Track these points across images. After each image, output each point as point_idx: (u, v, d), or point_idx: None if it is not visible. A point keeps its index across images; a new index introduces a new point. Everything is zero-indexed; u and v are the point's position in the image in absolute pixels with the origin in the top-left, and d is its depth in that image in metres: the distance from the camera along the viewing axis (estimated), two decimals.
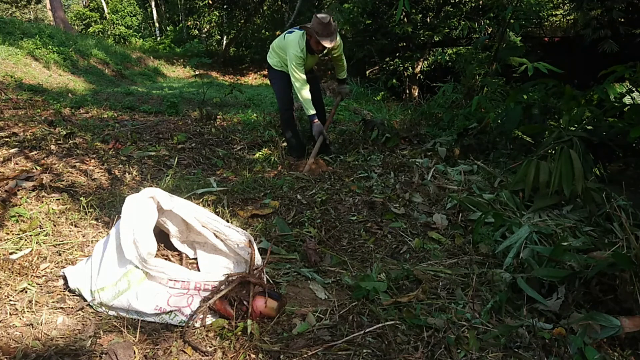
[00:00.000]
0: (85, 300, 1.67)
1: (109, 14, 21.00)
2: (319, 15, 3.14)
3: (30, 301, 1.63)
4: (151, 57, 15.84)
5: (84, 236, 2.13)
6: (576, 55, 8.50)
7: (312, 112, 3.40)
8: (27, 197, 2.37)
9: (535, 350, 1.46)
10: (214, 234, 1.79)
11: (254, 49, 19.97)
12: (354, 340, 1.50)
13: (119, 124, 4.32)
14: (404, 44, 11.40)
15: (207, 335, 1.54)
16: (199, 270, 1.91)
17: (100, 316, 1.61)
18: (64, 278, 1.77)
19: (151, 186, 2.47)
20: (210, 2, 19.22)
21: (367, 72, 12.54)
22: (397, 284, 1.88)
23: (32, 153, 3.07)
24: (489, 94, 4.21)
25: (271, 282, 1.85)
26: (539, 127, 3.17)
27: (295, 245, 2.20)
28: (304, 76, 3.35)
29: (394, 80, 7.19)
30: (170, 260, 2.00)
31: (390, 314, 1.65)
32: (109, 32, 20.12)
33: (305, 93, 3.37)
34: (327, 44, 3.16)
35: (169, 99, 5.97)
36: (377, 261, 2.09)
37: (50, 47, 9.68)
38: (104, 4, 21.28)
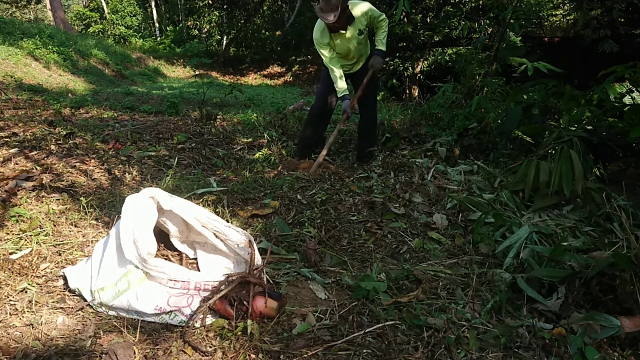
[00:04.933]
0: (85, 300, 1.67)
1: (109, 14, 21.01)
2: None
3: (30, 301, 1.63)
4: (151, 57, 15.85)
5: (84, 236, 2.13)
6: (576, 55, 8.52)
7: (341, 93, 3.33)
8: (27, 197, 2.37)
9: (535, 350, 1.46)
10: (214, 234, 1.79)
11: (254, 49, 19.98)
12: (354, 340, 1.50)
13: (119, 124, 4.32)
14: (404, 44, 11.41)
15: (207, 335, 1.54)
16: (199, 270, 1.91)
17: (100, 316, 1.61)
18: (64, 278, 1.77)
19: (151, 186, 2.47)
20: (210, 2, 19.23)
21: None
22: (397, 284, 1.88)
23: (32, 153, 3.07)
24: (489, 94, 4.20)
25: (271, 282, 1.85)
26: (539, 127, 3.17)
27: (295, 245, 2.20)
28: (331, 60, 3.28)
29: (394, 80, 7.19)
30: (170, 260, 2.00)
31: (390, 314, 1.65)
32: (109, 32, 20.13)
33: (335, 81, 3.31)
34: (326, 19, 3.05)
35: (169, 99, 5.98)
36: (377, 261, 2.09)
37: (50, 47, 9.69)
38: (104, 4, 21.29)
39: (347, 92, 3.34)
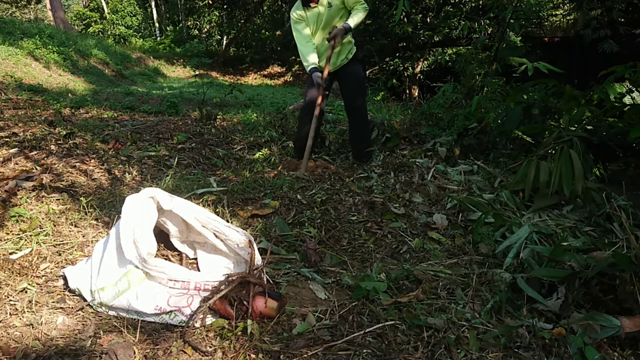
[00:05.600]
0: (85, 300, 1.67)
1: (109, 14, 21.02)
2: None
3: (30, 301, 1.63)
4: (151, 57, 15.86)
5: (84, 236, 2.13)
6: (576, 55, 8.53)
7: (310, 67, 3.27)
8: (27, 197, 2.37)
9: (535, 350, 1.46)
10: (214, 234, 1.79)
11: (254, 49, 19.99)
12: (354, 340, 1.50)
13: (119, 124, 4.32)
14: (404, 44, 11.42)
15: (207, 335, 1.54)
16: (199, 270, 1.91)
17: (100, 316, 1.61)
18: (64, 278, 1.77)
19: (151, 186, 2.47)
20: (210, 2, 19.24)
21: (367, 72, 12.56)
22: (397, 284, 1.88)
23: (32, 153, 3.07)
24: (489, 94, 4.20)
25: (271, 282, 1.85)
26: (539, 127, 3.17)
27: (295, 245, 2.20)
28: (302, 37, 3.25)
29: (394, 80, 7.18)
30: (170, 260, 2.00)
31: (390, 314, 1.65)
32: (109, 32, 20.15)
33: (305, 53, 3.25)
34: None
35: (169, 99, 5.98)
36: (377, 261, 2.09)
37: (50, 47, 9.70)
38: (104, 4, 21.30)
39: (317, 65, 3.29)
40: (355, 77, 3.48)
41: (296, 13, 3.28)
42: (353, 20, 3.23)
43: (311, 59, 3.27)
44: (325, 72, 3.29)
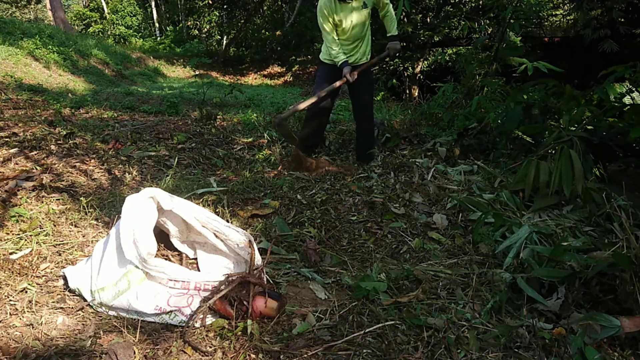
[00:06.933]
0: (85, 300, 1.67)
1: (109, 14, 21.02)
2: None
3: (30, 301, 1.63)
4: (151, 57, 15.85)
5: (84, 236, 2.13)
6: (576, 55, 8.52)
7: (341, 61, 3.28)
8: (27, 197, 2.37)
9: (535, 350, 1.46)
10: (214, 234, 1.79)
11: (254, 49, 19.98)
12: (354, 340, 1.50)
13: (119, 124, 4.32)
14: (404, 44, 11.39)
15: (207, 335, 1.54)
16: (199, 270, 1.91)
17: (100, 316, 1.61)
18: (64, 278, 1.77)
19: (151, 186, 2.47)
20: (210, 2, 19.23)
21: None
22: (397, 284, 1.88)
23: (32, 153, 3.07)
24: (489, 94, 4.20)
25: (271, 282, 1.85)
26: (539, 127, 3.17)
27: (295, 245, 2.20)
28: (330, 34, 3.25)
29: (394, 80, 7.18)
30: (170, 260, 2.00)
31: (390, 314, 1.65)
32: (109, 32, 20.15)
33: (335, 47, 3.27)
34: None
35: (169, 99, 5.98)
36: (377, 261, 2.09)
37: (50, 47, 9.70)
38: (104, 4, 21.30)
39: (347, 60, 3.32)
40: (370, 77, 3.53)
41: (326, 5, 3.20)
42: (395, 29, 3.42)
43: (341, 57, 3.29)
44: (355, 74, 3.32)
